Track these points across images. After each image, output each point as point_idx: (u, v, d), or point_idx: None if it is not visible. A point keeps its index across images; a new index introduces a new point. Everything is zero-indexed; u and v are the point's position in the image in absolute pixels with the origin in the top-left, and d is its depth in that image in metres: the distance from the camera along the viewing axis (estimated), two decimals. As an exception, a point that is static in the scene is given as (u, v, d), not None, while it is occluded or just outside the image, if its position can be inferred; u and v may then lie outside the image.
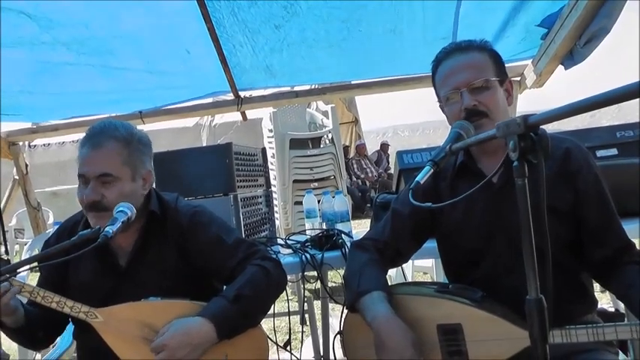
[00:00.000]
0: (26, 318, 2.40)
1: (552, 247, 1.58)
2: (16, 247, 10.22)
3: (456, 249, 2.45)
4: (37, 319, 2.48)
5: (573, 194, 2.21)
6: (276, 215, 7.25)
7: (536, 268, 1.48)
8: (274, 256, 2.74)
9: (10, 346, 4.78)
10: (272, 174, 8.11)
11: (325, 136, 9.26)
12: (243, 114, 5.75)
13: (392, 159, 16.91)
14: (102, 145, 2.38)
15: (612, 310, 3.32)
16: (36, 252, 4.68)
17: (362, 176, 17.45)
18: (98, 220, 2.30)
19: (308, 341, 4.54)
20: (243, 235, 3.45)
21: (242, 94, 5.26)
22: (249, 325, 2.45)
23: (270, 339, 2.77)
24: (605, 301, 4.05)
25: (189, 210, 2.62)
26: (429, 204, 1.92)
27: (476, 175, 2.32)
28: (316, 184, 8.43)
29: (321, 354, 3.99)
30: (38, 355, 4.58)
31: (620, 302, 2.57)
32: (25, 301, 2.49)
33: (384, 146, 19.91)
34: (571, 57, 4.19)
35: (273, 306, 2.66)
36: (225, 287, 2.48)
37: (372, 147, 20.36)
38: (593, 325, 1.92)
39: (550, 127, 1.62)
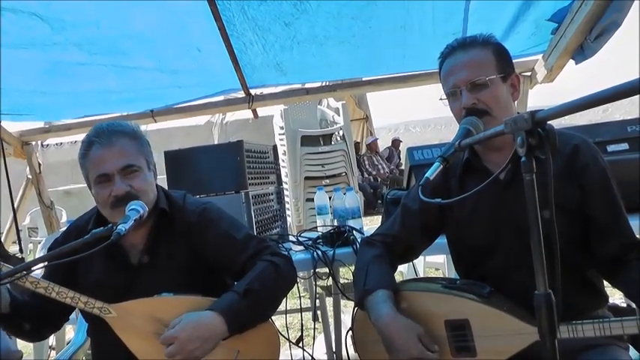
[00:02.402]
0: (13, 307, 2.40)
1: (559, 244, 1.58)
2: (30, 245, 10.27)
3: (465, 245, 2.46)
4: (27, 311, 2.48)
5: (580, 191, 2.21)
6: (288, 212, 7.27)
7: (545, 264, 1.49)
8: (285, 252, 2.76)
9: (26, 345, 4.83)
10: (283, 171, 8.14)
11: (336, 133, 9.28)
12: (255, 111, 5.77)
13: (403, 155, 16.89)
14: (114, 142, 2.41)
15: (624, 305, 3.32)
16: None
17: (373, 173, 17.41)
18: None
19: (320, 338, 4.55)
20: (255, 233, 3.46)
21: (253, 91, 5.28)
22: (260, 319, 2.47)
23: (283, 335, 2.78)
24: (617, 296, 4.04)
25: (197, 207, 2.64)
26: (438, 200, 1.93)
27: (482, 172, 2.33)
28: (327, 180, 8.46)
29: (334, 350, 4.00)
30: (53, 352, 4.62)
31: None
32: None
33: (396, 142, 19.85)
34: (582, 51, 4.18)
35: (285, 303, 2.67)
36: (236, 283, 2.49)
37: (383, 143, 20.33)
38: (599, 320, 1.93)
39: (562, 122, 1.62)
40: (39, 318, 2.53)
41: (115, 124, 2.49)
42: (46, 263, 2.28)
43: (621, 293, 3.14)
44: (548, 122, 1.43)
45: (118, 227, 2.14)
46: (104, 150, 2.39)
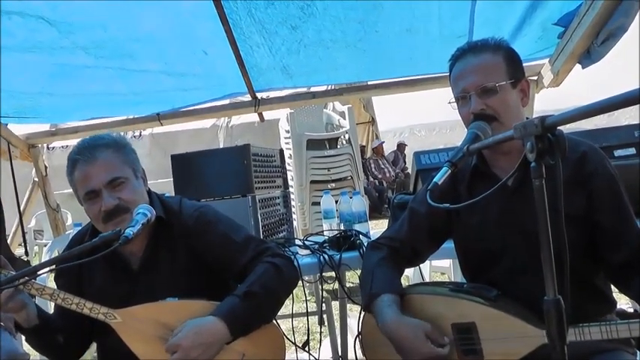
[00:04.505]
0: (42, 319, 2.40)
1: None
2: (35, 248, 10.26)
3: (473, 250, 2.46)
4: (57, 323, 2.50)
5: (587, 198, 2.20)
6: (294, 216, 7.28)
7: (554, 269, 1.49)
8: (289, 254, 2.76)
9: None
10: (289, 175, 8.13)
11: (342, 137, 9.24)
12: (261, 115, 5.77)
13: (408, 159, 16.86)
14: (97, 156, 2.41)
15: (631, 310, 3.30)
16: (55, 253, 4.72)
17: (379, 176, 17.42)
18: (120, 226, 2.28)
19: (326, 342, 4.55)
20: (262, 237, 3.46)
21: (259, 95, 5.27)
22: (262, 321, 2.48)
23: (289, 339, 2.78)
24: (623, 301, 4.02)
25: (194, 211, 2.64)
26: (447, 205, 1.93)
27: (490, 178, 2.32)
28: (333, 184, 8.42)
29: (340, 354, 4.00)
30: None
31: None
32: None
33: (401, 146, 19.86)
34: (588, 56, 4.16)
35: (291, 306, 2.67)
36: (238, 286, 2.50)
37: (388, 147, 20.32)
38: (605, 323, 1.92)
39: (567, 126, 1.61)
40: (68, 331, 2.53)
41: (97, 138, 2.49)
42: (52, 267, 2.28)
43: (627, 298, 3.13)
44: (558, 128, 1.43)
45: (126, 231, 2.15)
46: (88, 166, 2.39)
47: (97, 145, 2.44)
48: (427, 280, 4.83)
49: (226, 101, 5.57)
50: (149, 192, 2.61)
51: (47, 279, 3.87)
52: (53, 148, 13.75)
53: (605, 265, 2.24)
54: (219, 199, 3.55)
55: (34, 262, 3.04)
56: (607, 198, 2.20)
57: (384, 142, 19.14)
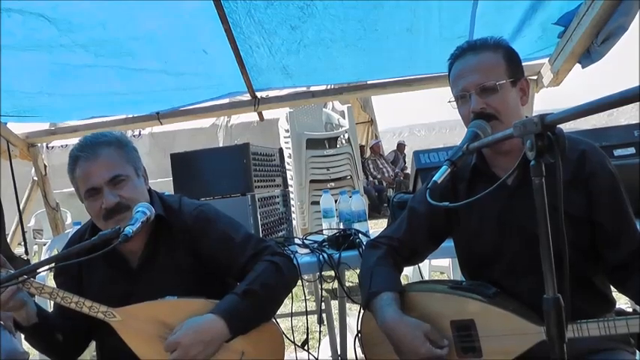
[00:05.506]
0: (41, 317, 2.40)
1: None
2: (35, 247, 10.24)
3: (472, 250, 2.45)
4: (56, 321, 2.49)
5: (587, 198, 2.19)
6: (293, 215, 7.27)
7: (554, 268, 1.48)
8: (289, 253, 2.75)
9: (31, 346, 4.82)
10: (289, 174, 8.12)
11: (341, 136, 9.24)
12: (260, 114, 5.76)
13: (408, 158, 16.88)
14: (99, 153, 2.41)
15: (630, 310, 3.30)
16: (55, 252, 4.71)
17: (378, 176, 17.42)
18: (121, 224, 2.28)
19: (325, 341, 4.55)
20: (261, 236, 3.46)
21: (259, 94, 5.27)
22: (262, 319, 2.47)
23: (288, 338, 2.77)
24: (623, 301, 4.03)
25: (194, 209, 2.64)
26: (446, 203, 1.93)
27: (490, 177, 2.31)
28: (333, 184, 8.41)
29: (339, 353, 4.00)
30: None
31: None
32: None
33: (401, 146, 19.87)
34: (588, 55, 4.16)
35: (290, 305, 2.66)
36: (238, 284, 2.50)
37: (388, 147, 20.34)
38: (604, 319, 1.92)
39: (567, 126, 1.61)
40: (67, 329, 2.52)
41: (99, 135, 2.49)
42: (51, 265, 2.28)
43: (627, 298, 3.13)
44: (558, 126, 1.43)
45: (125, 229, 2.15)
46: (90, 163, 2.39)
47: (99, 142, 2.44)
48: (427, 279, 4.84)
49: (226, 100, 5.56)
50: (149, 190, 2.61)
51: (47, 278, 3.87)
52: (52, 147, 13.74)
53: (603, 264, 2.24)
54: (219, 198, 3.55)
55: (34, 261, 3.03)
56: (607, 197, 2.19)
57: (380, 140, 19.14)
